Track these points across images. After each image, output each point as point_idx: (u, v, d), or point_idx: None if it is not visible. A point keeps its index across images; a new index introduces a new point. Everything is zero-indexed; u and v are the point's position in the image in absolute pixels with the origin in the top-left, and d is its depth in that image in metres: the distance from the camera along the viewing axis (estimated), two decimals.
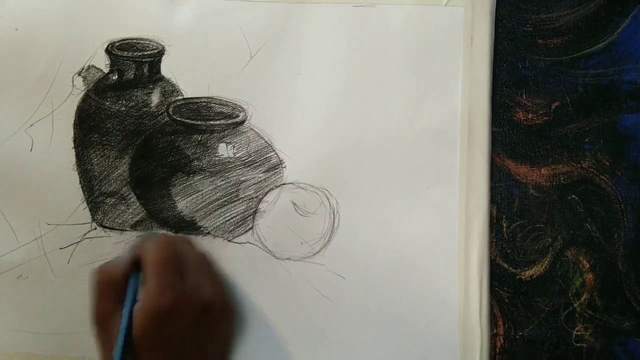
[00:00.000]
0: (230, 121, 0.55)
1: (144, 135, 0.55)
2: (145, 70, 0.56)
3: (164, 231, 0.55)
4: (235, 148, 0.55)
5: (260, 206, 0.55)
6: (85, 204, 0.55)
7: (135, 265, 0.47)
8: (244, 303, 0.54)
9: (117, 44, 0.56)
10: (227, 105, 0.55)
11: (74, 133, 0.55)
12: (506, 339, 0.53)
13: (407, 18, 0.55)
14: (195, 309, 0.46)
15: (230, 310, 0.51)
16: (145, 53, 0.56)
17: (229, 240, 0.55)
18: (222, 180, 0.55)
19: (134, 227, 0.55)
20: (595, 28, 0.55)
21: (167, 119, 0.55)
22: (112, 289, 0.46)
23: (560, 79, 0.55)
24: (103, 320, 0.46)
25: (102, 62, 0.56)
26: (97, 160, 0.55)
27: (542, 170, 0.54)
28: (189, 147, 0.55)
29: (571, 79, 0.55)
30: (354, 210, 0.54)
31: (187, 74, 0.56)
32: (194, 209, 0.55)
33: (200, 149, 0.55)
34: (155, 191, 0.55)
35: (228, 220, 0.55)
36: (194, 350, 0.47)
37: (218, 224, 0.55)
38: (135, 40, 0.56)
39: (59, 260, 0.55)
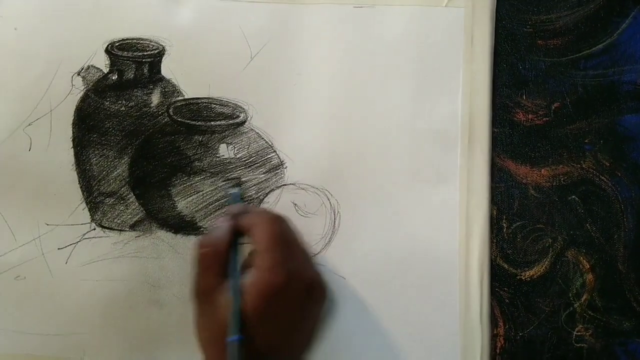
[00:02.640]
0: (230, 122, 0.55)
1: (143, 135, 0.55)
2: (146, 70, 0.56)
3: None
4: (236, 149, 0.55)
5: (261, 207, 0.55)
6: (84, 204, 0.55)
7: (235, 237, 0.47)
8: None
9: (117, 44, 0.56)
10: (228, 106, 0.55)
11: (73, 133, 0.55)
12: (506, 339, 0.53)
13: (408, 19, 0.55)
14: (301, 288, 0.46)
15: (326, 292, 0.50)
16: (146, 53, 0.56)
17: None
18: (223, 181, 0.55)
19: (133, 227, 0.55)
20: (595, 29, 0.55)
21: (167, 119, 0.55)
22: (217, 263, 0.46)
23: (560, 80, 0.55)
24: (206, 294, 0.46)
25: (102, 62, 0.56)
26: (96, 160, 0.55)
27: (542, 170, 0.54)
28: (190, 147, 0.55)
29: (571, 80, 0.55)
30: (354, 211, 0.54)
31: (188, 75, 0.56)
32: (194, 210, 0.55)
33: (201, 150, 0.55)
34: (155, 191, 0.55)
35: None
36: (296, 329, 0.47)
37: None
38: (135, 40, 0.56)
39: (57, 260, 0.54)
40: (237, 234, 0.47)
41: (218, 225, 0.48)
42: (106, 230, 0.55)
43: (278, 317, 0.45)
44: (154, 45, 0.56)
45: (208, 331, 0.46)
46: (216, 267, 0.46)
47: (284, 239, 0.47)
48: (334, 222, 0.54)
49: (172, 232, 0.55)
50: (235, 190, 0.53)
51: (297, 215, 0.54)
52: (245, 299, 0.44)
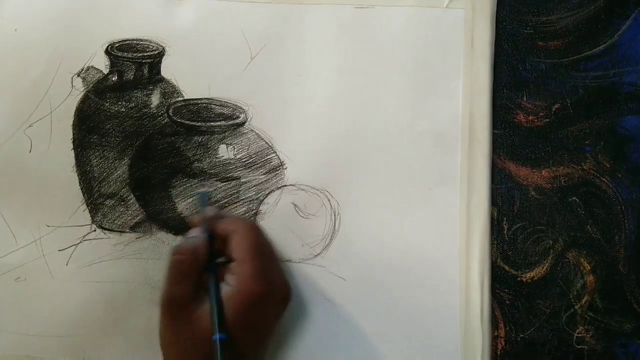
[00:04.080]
0: (230, 122, 0.55)
1: (143, 136, 0.55)
2: (145, 71, 0.56)
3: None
4: (235, 149, 0.55)
5: (261, 208, 0.55)
6: (85, 206, 0.55)
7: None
8: None
9: (117, 45, 0.56)
10: (228, 107, 0.55)
11: (73, 134, 0.55)
12: (507, 341, 0.53)
13: (408, 20, 0.55)
14: (278, 297, 0.47)
15: (291, 297, 0.50)
16: (146, 54, 0.55)
17: None
18: (223, 182, 0.55)
19: (133, 228, 0.55)
20: (596, 30, 0.55)
21: (167, 120, 0.55)
22: (194, 271, 0.46)
23: (560, 81, 0.55)
24: (180, 303, 0.45)
25: (102, 63, 0.56)
26: (96, 161, 0.55)
27: (543, 172, 0.54)
28: (190, 148, 0.55)
29: (571, 81, 0.55)
30: (354, 212, 0.54)
31: (188, 75, 0.55)
32: (195, 211, 0.55)
33: (200, 151, 0.55)
34: (155, 193, 0.55)
35: None
36: (271, 335, 0.48)
37: None
38: (135, 41, 0.56)
39: (57, 262, 0.54)
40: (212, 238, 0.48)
41: (195, 234, 0.48)
42: (107, 231, 0.55)
43: (257, 324, 0.46)
44: (153, 46, 0.56)
45: (182, 341, 0.45)
46: (193, 275, 0.46)
47: (263, 249, 0.47)
48: (334, 223, 0.54)
49: (173, 234, 0.55)
50: (202, 189, 0.52)
51: (297, 217, 0.54)
52: (226, 307, 0.44)
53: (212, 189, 0.54)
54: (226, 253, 0.47)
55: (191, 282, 0.45)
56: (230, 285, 0.45)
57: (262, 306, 0.45)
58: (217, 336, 0.43)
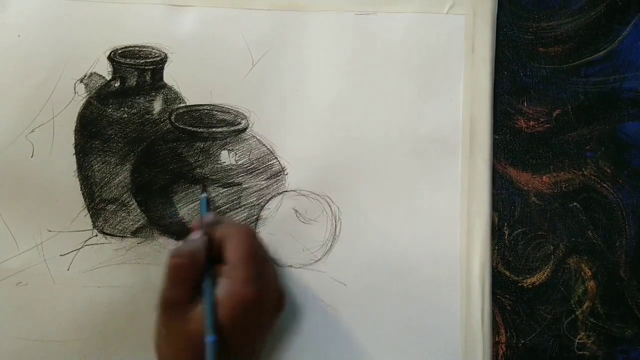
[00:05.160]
0: (232, 128, 0.55)
1: (145, 142, 0.55)
2: (148, 77, 0.56)
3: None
4: (237, 155, 0.55)
5: (262, 213, 0.55)
6: (86, 211, 0.55)
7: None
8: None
9: (120, 51, 0.56)
10: (230, 113, 0.55)
11: (75, 139, 0.55)
12: (508, 346, 0.53)
13: (409, 26, 0.56)
14: (271, 301, 0.48)
15: (286, 303, 0.51)
16: (148, 60, 0.56)
17: None
18: (224, 188, 0.55)
19: (134, 233, 0.55)
20: (596, 36, 0.55)
21: (169, 126, 0.55)
22: (192, 275, 0.46)
23: (561, 87, 0.55)
24: (177, 306, 0.45)
25: (105, 69, 0.56)
26: (98, 166, 0.55)
27: (544, 177, 0.54)
28: (191, 154, 0.55)
29: (572, 87, 0.55)
30: (355, 218, 0.54)
31: (190, 82, 0.56)
32: (196, 216, 0.55)
33: (202, 157, 0.55)
34: (157, 198, 0.55)
35: None
36: (263, 339, 0.48)
37: None
38: (137, 48, 0.56)
39: (59, 267, 0.54)
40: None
41: (193, 238, 0.48)
42: (108, 236, 0.55)
43: (249, 328, 0.46)
44: (156, 53, 0.56)
45: (177, 343, 0.45)
46: (191, 280, 0.46)
47: (257, 254, 0.47)
48: (335, 228, 0.54)
49: (174, 239, 0.55)
50: (204, 195, 0.53)
51: (298, 222, 0.54)
52: (218, 310, 0.44)
53: (212, 195, 0.55)
54: (222, 258, 0.47)
55: (189, 285, 0.45)
56: (224, 289, 0.45)
57: (254, 311, 0.45)
58: (208, 338, 0.43)
